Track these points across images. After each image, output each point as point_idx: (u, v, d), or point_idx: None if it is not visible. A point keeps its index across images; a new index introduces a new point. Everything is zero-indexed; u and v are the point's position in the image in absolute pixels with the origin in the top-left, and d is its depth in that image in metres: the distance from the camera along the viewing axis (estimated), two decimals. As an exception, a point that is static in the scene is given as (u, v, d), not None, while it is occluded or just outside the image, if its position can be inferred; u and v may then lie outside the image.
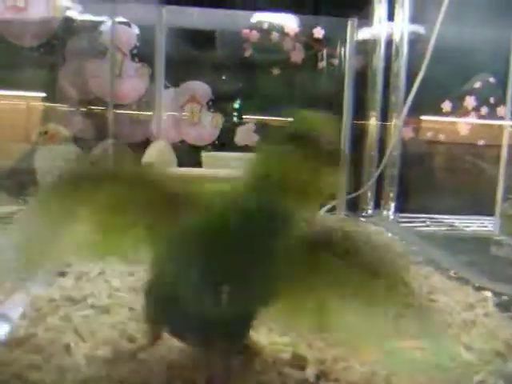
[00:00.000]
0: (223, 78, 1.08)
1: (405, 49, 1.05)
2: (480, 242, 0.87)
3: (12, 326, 0.36)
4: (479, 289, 0.52)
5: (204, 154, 0.78)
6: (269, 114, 1.11)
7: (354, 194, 1.08)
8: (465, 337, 0.37)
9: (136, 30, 1.05)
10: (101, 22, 1.03)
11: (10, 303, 0.41)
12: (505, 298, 0.50)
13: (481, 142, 1.14)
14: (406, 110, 1.02)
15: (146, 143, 1.06)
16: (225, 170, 0.74)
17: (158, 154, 0.68)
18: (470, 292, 0.50)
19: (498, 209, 0.90)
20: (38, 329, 0.33)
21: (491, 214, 0.96)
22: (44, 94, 1.02)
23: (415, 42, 1.06)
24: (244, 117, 1.10)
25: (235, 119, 1.09)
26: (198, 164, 0.95)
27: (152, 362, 0.30)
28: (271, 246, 0.27)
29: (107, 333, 0.34)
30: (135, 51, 1.05)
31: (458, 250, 0.75)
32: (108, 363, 0.29)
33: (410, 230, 0.94)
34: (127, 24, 1.04)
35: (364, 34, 1.07)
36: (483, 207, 1.02)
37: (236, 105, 1.09)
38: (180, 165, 0.91)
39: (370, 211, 1.11)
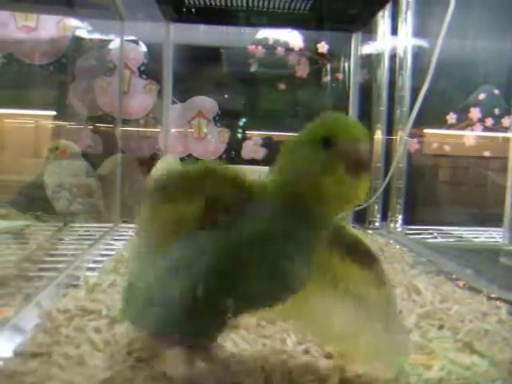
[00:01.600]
0: (229, 93, 1.09)
1: (409, 62, 1.06)
2: (489, 253, 0.86)
3: (25, 337, 0.36)
4: (491, 298, 0.51)
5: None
6: (275, 128, 1.12)
7: (361, 207, 1.08)
8: (478, 345, 0.37)
9: (144, 48, 1.06)
10: (109, 40, 1.05)
11: (23, 315, 0.42)
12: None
13: (487, 153, 1.14)
14: (411, 122, 1.03)
15: (153, 158, 1.07)
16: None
17: (167, 168, 0.69)
18: (482, 301, 0.49)
19: (506, 220, 0.90)
20: (53, 339, 0.34)
21: (499, 225, 0.96)
22: (55, 112, 1.04)
23: (419, 55, 1.07)
24: (250, 132, 1.11)
25: (240, 135, 1.10)
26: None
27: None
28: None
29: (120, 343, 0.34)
30: (143, 68, 1.07)
31: (467, 261, 0.75)
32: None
33: (418, 242, 0.94)
34: (135, 42, 1.06)
35: (368, 48, 1.09)
36: (491, 219, 1.02)
37: (241, 121, 1.10)
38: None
39: (377, 223, 1.11)
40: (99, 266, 0.58)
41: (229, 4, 0.88)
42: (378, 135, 1.09)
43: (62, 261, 0.60)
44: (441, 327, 0.41)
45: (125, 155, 0.93)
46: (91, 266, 0.60)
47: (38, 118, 1.07)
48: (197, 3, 0.90)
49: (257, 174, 0.79)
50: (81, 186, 0.89)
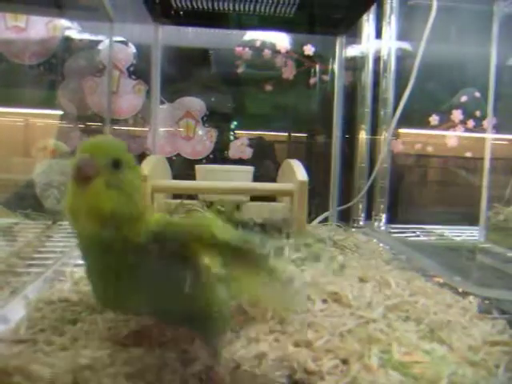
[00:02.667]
0: (217, 94, 1.11)
1: (392, 65, 1.09)
2: (466, 251, 0.89)
3: (12, 327, 0.38)
4: (463, 293, 0.54)
5: (197, 167, 0.81)
6: (261, 128, 1.14)
7: (345, 206, 1.11)
8: (439, 334, 0.39)
9: (133, 49, 1.08)
10: (98, 41, 1.07)
11: (10, 307, 0.43)
12: (487, 302, 0.52)
13: (468, 154, 1.17)
14: (394, 123, 1.06)
15: (142, 157, 1.09)
16: (216, 181, 0.77)
17: (154, 167, 0.71)
18: (451, 295, 0.52)
19: (482, 218, 0.93)
20: (37, 328, 0.36)
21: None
22: (52, 112, 1.05)
23: (402, 58, 1.10)
24: (237, 131, 1.13)
25: (232, 135, 1.12)
26: (193, 177, 0.98)
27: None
28: None
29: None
30: (132, 69, 1.08)
31: (444, 258, 0.78)
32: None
33: (400, 240, 0.96)
34: (124, 43, 1.08)
35: (353, 50, 1.11)
36: (471, 217, 1.05)
37: (232, 123, 1.13)
38: (175, 177, 0.94)
39: (361, 222, 1.13)
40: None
41: (216, 7, 0.90)
42: (363, 136, 1.12)
43: (50, 257, 0.62)
44: (406, 318, 0.43)
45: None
46: (78, 262, 0.62)
47: (28, 117, 1.08)
48: (185, 6, 0.91)
49: (242, 173, 0.81)
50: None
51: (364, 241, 0.83)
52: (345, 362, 0.33)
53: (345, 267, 0.57)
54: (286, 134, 1.18)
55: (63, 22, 1.05)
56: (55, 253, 0.66)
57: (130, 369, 0.30)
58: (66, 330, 0.35)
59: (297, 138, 1.19)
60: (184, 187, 0.73)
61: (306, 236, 0.72)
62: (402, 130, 1.14)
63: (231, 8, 0.90)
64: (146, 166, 0.69)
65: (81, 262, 0.61)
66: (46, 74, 1.06)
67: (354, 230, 1.07)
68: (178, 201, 0.75)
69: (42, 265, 0.58)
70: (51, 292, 0.44)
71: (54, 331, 0.35)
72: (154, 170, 0.71)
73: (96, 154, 0.29)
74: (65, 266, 0.59)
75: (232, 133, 1.13)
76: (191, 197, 0.82)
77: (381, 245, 0.87)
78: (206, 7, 0.91)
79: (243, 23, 0.99)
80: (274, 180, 1.00)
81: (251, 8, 0.90)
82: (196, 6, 0.91)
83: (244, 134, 1.13)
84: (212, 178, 0.78)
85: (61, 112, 1.05)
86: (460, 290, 0.55)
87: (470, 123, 1.17)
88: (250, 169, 0.81)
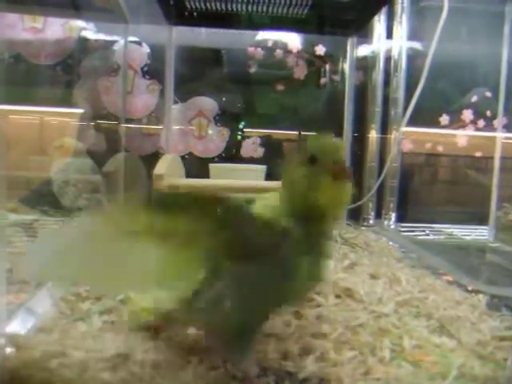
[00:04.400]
0: (229, 93, 1.13)
1: (403, 64, 1.09)
2: (476, 250, 0.90)
3: (40, 318, 0.40)
4: (472, 291, 0.55)
5: (211, 166, 0.83)
6: (273, 127, 1.16)
7: (355, 205, 1.12)
8: (449, 328, 0.41)
9: (147, 49, 1.10)
10: (114, 42, 1.09)
11: (35, 300, 0.46)
12: (495, 299, 0.54)
13: (478, 154, 1.18)
14: (404, 123, 1.07)
15: (155, 155, 1.11)
16: (230, 179, 0.78)
17: (169, 165, 0.73)
18: (460, 293, 0.53)
19: (491, 218, 0.94)
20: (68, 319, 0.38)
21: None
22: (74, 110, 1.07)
23: (413, 57, 1.11)
24: (249, 130, 1.15)
25: (239, 134, 1.14)
26: (205, 175, 1.00)
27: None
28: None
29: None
30: (146, 69, 1.10)
31: (454, 257, 0.79)
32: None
33: (409, 239, 0.97)
34: (138, 43, 1.10)
35: (364, 50, 1.12)
36: (480, 217, 1.06)
37: (241, 123, 1.14)
38: (188, 176, 0.96)
39: (371, 221, 1.14)
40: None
41: (229, 8, 0.92)
42: (373, 135, 1.13)
43: None
44: (417, 313, 0.45)
45: (129, 153, 0.97)
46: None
47: (44, 116, 1.10)
48: (198, 7, 0.93)
49: (254, 172, 0.83)
50: (86, 182, 0.93)
51: (374, 239, 0.84)
52: (360, 353, 0.35)
53: (356, 264, 0.59)
54: (297, 132, 1.19)
55: (79, 23, 1.07)
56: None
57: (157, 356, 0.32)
58: (94, 320, 0.37)
59: (307, 136, 1.20)
60: (199, 185, 0.75)
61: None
62: (411, 130, 1.15)
63: (244, 9, 0.92)
64: (162, 165, 0.71)
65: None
66: (63, 74, 1.09)
67: (364, 228, 1.09)
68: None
69: None
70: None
71: (84, 322, 0.37)
72: (169, 169, 0.73)
73: (341, 152, 0.34)
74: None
75: (240, 132, 1.14)
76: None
77: (391, 243, 0.88)
78: (219, 8, 0.93)
79: (255, 24, 1.01)
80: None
81: (264, 9, 0.92)
82: (209, 7, 0.93)
83: (253, 133, 1.15)
84: (225, 177, 0.80)
85: (80, 110, 1.07)
86: (469, 287, 0.56)
87: (481, 123, 1.17)
88: (263, 168, 0.83)
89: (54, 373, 0.29)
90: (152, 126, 1.13)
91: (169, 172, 0.73)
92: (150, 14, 1.00)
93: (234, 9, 0.92)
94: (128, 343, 0.33)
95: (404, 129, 1.07)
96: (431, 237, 1.04)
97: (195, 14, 0.95)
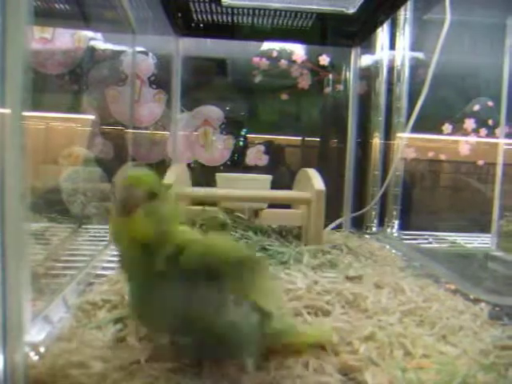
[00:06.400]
0: (235, 102, 1.14)
1: (406, 74, 1.11)
2: (478, 258, 0.91)
3: (57, 326, 0.42)
4: (474, 300, 0.56)
5: (218, 175, 0.84)
6: (277, 133, 1.17)
7: (358, 213, 1.13)
8: (451, 337, 0.42)
9: (154, 59, 1.12)
10: (121, 52, 1.11)
11: (52, 307, 0.47)
12: (497, 308, 0.55)
13: (480, 162, 1.19)
14: (407, 132, 1.09)
15: (161, 163, 1.13)
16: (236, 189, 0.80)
17: (177, 175, 0.75)
18: (462, 301, 0.54)
19: (493, 226, 0.95)
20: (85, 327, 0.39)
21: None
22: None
23: (416, 67, 1.13)
24: (253, 135, 1.16)
25: (241, 141, 1.15)
26: (211, 182, 1.02)
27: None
28: None
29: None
30: (153, 78, 1.12)
31: (456, 265, 0.80)
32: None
33: (412, 247, 0.99)
34: (145, 53, 1.12)
35: (367, 60, 1.14)
36: (483, 225, 1.07)
37: (244, 130, 1.16)
38: (194, 183, 0.97)
39: (374, 228, 1.16)
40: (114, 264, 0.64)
41: (235, 20, 0.93)
42: (376, 144, 1.14)
43: (81, 260, 0.66)
44: (421, 323, 0.46)
45: (137, 162, 0.98)
46: (107, 265, 0.65)
47: (52, 123, 1.12)
48: (205, 19, 0.95)
49: (260, 181, 0.84)
50: (95, 191, 0.95)
51: (378, 247, 0.86)
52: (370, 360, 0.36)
53: (361, 274, 0.60)
54: (300, 139, 1.21)
55: (88, 33, 1.09)
56: (85, 256, 0.70)
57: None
58: (109, 329, 0.39)
59: (311, 145, 1.22)
60: (206, 195, 0.77)
61: (323, 243, 0.75)
62: (414, 137, 1.16)
63: (250, 21, 0.94)
64: (170, 175, 0.73)
65: (109, 264, 0.65)
66: (71, 84, 1.11)
67: (367, 236, 1.10)
68: (200, 207, 0.79)
69: (76, 267, 0.62)
70: (92, 293, 0.48)
71: (101, 329, 0.38)
72: (177, 179, 0.74)
73: (136, 187, 0.33)
74: (97, 269, 0.63)
75: (242, 138, 1.16)
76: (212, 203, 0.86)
77: (394, 251, 0.89)
78: (225, 20, 0.94)
79: (260, 35, 1.02)
80: (286, 185, 1.04)
81: (269, 21, 0.93)
82: (216, 19, 0.95)
83: (256, 138, 1.16)
84: (232, 186, 0.81)
85: (89, 117, 1.09)
86: (471, 296, 0.57)
87: (483, 132, 1.19)
88: (268, 177, 0.84)
89: (75, 380, 0.30)
90: (159, 132, 1.14)
91: (177, 182, 0.75)
92: (157, 25, 1.02)
93: (240, 21, 0.94)
94: (143, 351, 0.34)
95: (406, 136, 1.09)
96: (434, 245, 1.05)
97: (201, 25, 0.97)
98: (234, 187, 0.80)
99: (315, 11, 0.86)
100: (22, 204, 0.38)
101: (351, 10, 0.84)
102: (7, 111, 0.34)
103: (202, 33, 1.01)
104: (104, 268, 0.64)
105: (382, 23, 0.94)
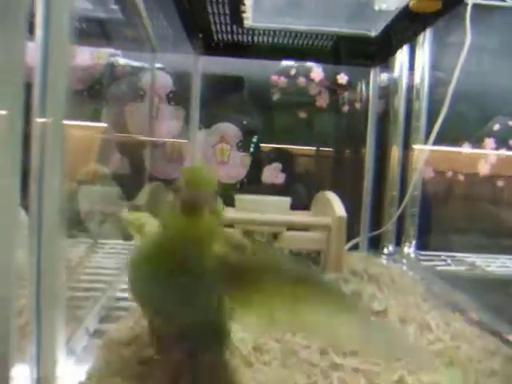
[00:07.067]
0: (252, 120, 1.14)
1: (425, 93, 1.11)
2: (500, 283, 0.89)
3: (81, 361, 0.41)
4: (502, 336, 0.55)
5: (237, 197, 0.84)
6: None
7: (375, 233, 1.12)
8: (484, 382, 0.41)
9: (172, 76, 1.13)
10: (140, 68, 1.11)
11: (75, 338, 0.47)
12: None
13: (499, 183, 1.18)
14: (426, 152, 1.08)
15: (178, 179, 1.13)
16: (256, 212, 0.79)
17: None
18: (492, 340, 0.53)
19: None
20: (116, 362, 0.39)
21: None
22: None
23: (435, 85, 1.12)
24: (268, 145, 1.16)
25: (253, 147, 1.15)
26: (227, 200, 1.02)
27: None
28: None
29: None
30: (171, 95, 1.13)
31: (478, 293, 0.78)
32: None
33: (432, 271, 0.97)
34: (164, 70, 1.12)
35: (386, 79, 1.13)
36: (502, 246, 1.05)
37: (255, 137, 1.15)
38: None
39: (391, 248, 1.14)
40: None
41: (255, 40, 0.93)
42: (394, 163, 1.13)
43: (102, 280, 0.67)
44: (451, 364, 0.45)
45: (157, 183, 0.98)
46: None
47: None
48: (225, 39, 0.95)
49: (279, 204, 0.83)
50: (113, 211, 0.95)
51: (398, 273, 0.84)
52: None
53: (385, 307, 0.59)
54: (317, 156, 1.20)
55: (107, 50, 1.10)
56: (105, 275, 0.70)
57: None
58: (136, 371, 0.38)
59: (328, 163, 1.21)
60: (228, 219, 0.76)
61: (342, 271, 0.74)
62: (433, 156, 1.14)
63: (270, 41, 0.94)
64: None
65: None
66: (90, 99, 1.11)
67: (384, 257, 1.09)
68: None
69: (97, 288, 0.62)
70: (117, 328, 0.48)
71: (124, 371, 0.38)
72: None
73: (203, 187, 0.32)
74: (119, 292, 0.63)
75: (253, 145, 1.15)
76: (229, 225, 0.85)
77: (414, 275, 0.88)
78: (245, 40, 0.94)
79: (280, 54, 1.02)
80: (303, 203, 1.04)
81: (289, 41, 0.93)
82: (236, 39, 0.95)
83: (268, 147, 1.16)
84: (251, 208, 0.80)
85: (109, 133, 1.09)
86: (502, 333, 0.56)
87: (503, 152, 1.17)
88: (287, 200, 0.83)
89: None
90: (176, 152, 1.14)
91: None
92: (176, 43, 1.03)
93: (260, 40, 0.94)
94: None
95: (425, 155, 1.08)
96: (453, 267, 1.03)
97: (221, 44, 0.97)
98: (253, 210, 0.80)
99: (337, 33, 0.86)
100: (61, 221, 0.38)
101: (373, 33, 0.83)
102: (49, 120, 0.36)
103: (222, 52, 1.01)
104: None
105: (403, 46, 0.93)
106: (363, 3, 0.74)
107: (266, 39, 0.92)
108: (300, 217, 0.80)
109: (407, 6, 0.70)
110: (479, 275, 1.00)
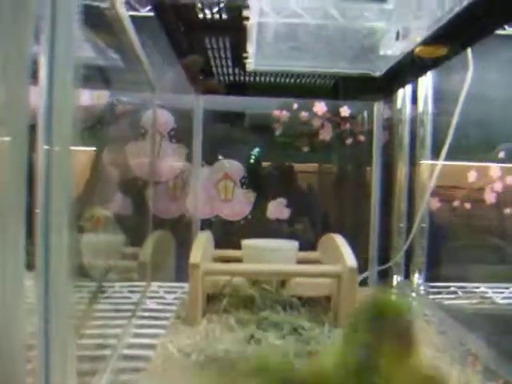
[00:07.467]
0: (255, 156, 1.13)
1: (429, 125, 1.10)
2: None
3: None
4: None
5: (244, 244, 0.82)
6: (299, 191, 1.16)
7: (384, 266, 1.11)
8: None
9: (173, 114, 1.12)
10: (141, 107, 1.10)
11: None
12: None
13: (507, 210, 1.17)
14: (433, 182, 1.06)
15: (180, 218, 1.12)
16: (264, 260, 0.78)
17: (203, 249, 0.73)
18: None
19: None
20: None
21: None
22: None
23: (439, 114, 1.11)
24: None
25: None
26: (231, 237, 1.00)
27: None
28: None
29: None
30: (173, 133, 1.12)
31: (493, 331, 0.76)
32: None
33: (442, 306, 0.95)
34: (165, 108, 1.11)
35: (389, 111, 1.12)
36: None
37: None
38: (216, 240, 0.95)
39: (400, 280, 1.13)
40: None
41: (257, 80, 0.92)
42: (400, 195, 1.12)
43: (112, 334, 0.65)
44: None
45: (163, 232, 0.97)
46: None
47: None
48: (227, 80, 0.94)
49: (287, 251, 0.82)
50: (116, 256, 0.93)
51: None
52: None
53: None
54: (322, 190, 1.19)
55: (107, 89, 1.09)
56: (113, 326, 0.68)
57: None
58: None
59: (333, 196, 1.19)
60: (234, 271, 0.75)
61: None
62: (439, 186, 1.13)
63: (272, 81, 0.93)
64: (197, 252, 0.71)
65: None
66: (91, 139, 1.10)
67: (393, 289, 1.07)
68: (225, 278, 0.77)
69: (107, 345, 0.61)
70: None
71: None
72: (204, 253, 0.72)
73: (407, 315, 0.30)
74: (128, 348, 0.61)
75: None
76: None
77: (427, 316, 0.86)
78: (247, 81, 0.94)
79: (282, 93, 1.01)
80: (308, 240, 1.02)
81: (292, 81, 0.92)
82: (238, 80, 0.94)
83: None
84: (258, 257, 0.79)
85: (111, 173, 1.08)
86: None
87: (509, 179, 1.16)
88: (295, 246, 0.82)
89: None
90: (178, 191, 1.13)
91: (204, 255, 0.73)
92: (177, 83, 1.02)
93: (262, 81, 0.93)
94: None
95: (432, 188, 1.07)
96: (464, 301, 1.02)
97: (223, 85, 0.96)
98: (261, 257, 0.78)
99: (340, 74, 0.85)
100: (70, 264, 0.37)
101: (377, 74, 0.82)
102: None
103: (224, 91, 1.00)
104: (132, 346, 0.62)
105: (406, 85, 0.92)
106: (368, 48, 0.73)
107: (268, 79, 0.91)
108: (309, 266, 0.78)
109: (412, 51, 0.69)
110: (492, 311, 0.98)
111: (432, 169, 1.08)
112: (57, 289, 0.34)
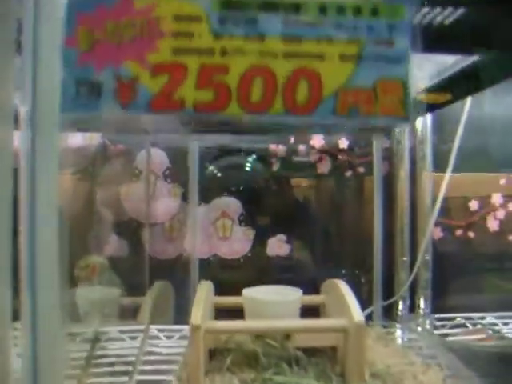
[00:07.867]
0: (252, 192, 1.11)
1: (428, 155, 1.08)
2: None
3: None
4: None
5: (244, 296, 0.79)
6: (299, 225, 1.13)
7: (388, 302, 1.08)
8: None
9: (168, 154, 1.09)
10: (134, 148, 1.08)
11: None
12: None
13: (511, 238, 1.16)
14: (435, 214, 1.05)
15: (178, 258, 1.09)
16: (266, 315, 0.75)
17: (204, 307, 0.70)
18: None
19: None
20: None
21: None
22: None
23: (438, 144, 1.09)
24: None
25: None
26: (231, 277, 0.98)
27: None
28: None
29: None
30: (167, 172, 1.09)
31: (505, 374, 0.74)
32: None
33: (445, 343, 0.93)
34: (159, 148, 1.09)
35: (388, 142, 1.10)
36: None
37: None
38: (215, 283, 0.92)
39: (404, 314, 1.10)
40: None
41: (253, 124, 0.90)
42: (403, 227, 1.10)
43: None
44: None
45: (164, 283, 0.95)
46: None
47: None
48: (220, 119, 0.92)
49: (291, 304, 0.78)
50: (112, 305, 0.90)
51: (420, 370, 0.80)
52: None
53: None
54: (323, 224, 1.17)
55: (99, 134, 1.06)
56: None
57: None
58: None
59: (333, 230, 1.17)
60: (236, 329, 0.72)
61: (364, 379, 0.69)
62: (440, 218, 1.12)
63: (269, 125, 0.90)
64: (198, 312, 0.68)
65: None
66: (83, 182, 1.07)
67: (398, 327, 1.05)
68: (227, 334, 0.74)
69: None
70: None
71: None
72: (204, 309, 0.69)
73: None
74: None
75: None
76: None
77: (436, 361, 0.83)
78: (242, 124, 0.91)
79: (277, 131, 0.99)
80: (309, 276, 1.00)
81: (288, 122, 0.90)
82: (232, 121, 0.91)
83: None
84: (261, 309, 0.76)
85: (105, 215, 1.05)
86: None
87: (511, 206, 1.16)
88: (298, 297, 0.79)
89: None
90: (175, 231, 1.10)
91: (204, 314, 0.70)
92: (170, 125, 0.99)
93: (258, 123, 0.91)
94: None
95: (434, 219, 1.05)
96: (471, 336, 1.00)
97: (217, 129, 0.94)
98: (263, 312, 0.76)
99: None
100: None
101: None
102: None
103: (217, 130, 0.97)
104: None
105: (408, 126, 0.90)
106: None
107: (266, 124, 0.89)
108: (315, 321, 0.76)
109: (415, 97, 0.67)
110: (501, 347, 0.96)
111: (434, 199, 1.06)
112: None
